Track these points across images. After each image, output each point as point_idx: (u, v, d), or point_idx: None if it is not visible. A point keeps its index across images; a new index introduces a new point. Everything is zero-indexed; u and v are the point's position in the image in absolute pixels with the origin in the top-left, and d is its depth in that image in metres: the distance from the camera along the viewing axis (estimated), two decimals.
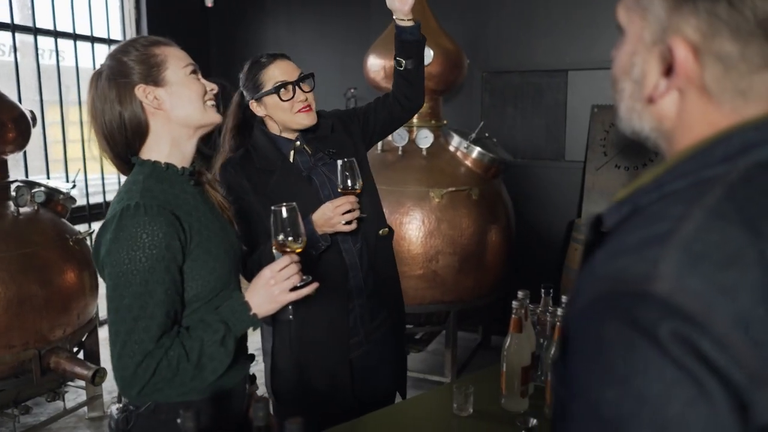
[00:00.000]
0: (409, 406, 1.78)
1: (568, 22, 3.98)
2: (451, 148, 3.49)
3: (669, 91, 0.62)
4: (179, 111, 1.33)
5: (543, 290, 1.88)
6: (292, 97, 1.80)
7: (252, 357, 1.56)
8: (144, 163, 1.34)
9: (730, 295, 0.49)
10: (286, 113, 1.82)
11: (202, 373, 1.27)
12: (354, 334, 1.91)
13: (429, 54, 3.29)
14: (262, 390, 2.75)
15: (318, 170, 1.89)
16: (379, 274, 1.96)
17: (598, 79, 3.96)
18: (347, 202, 1.75)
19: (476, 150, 3.42)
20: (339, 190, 1.78)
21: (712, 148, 0.58)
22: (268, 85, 1.81)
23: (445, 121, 3.60)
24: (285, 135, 1.88)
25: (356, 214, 1.77)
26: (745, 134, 0.57)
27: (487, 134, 3.68)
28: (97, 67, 1.39)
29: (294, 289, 1.35)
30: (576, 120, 4.05)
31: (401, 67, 1.98)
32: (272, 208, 1.37)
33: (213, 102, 1.39)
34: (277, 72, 1.81)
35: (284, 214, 1.36)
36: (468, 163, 3.45)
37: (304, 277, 1.38)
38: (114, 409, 1.37)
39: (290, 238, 1.36)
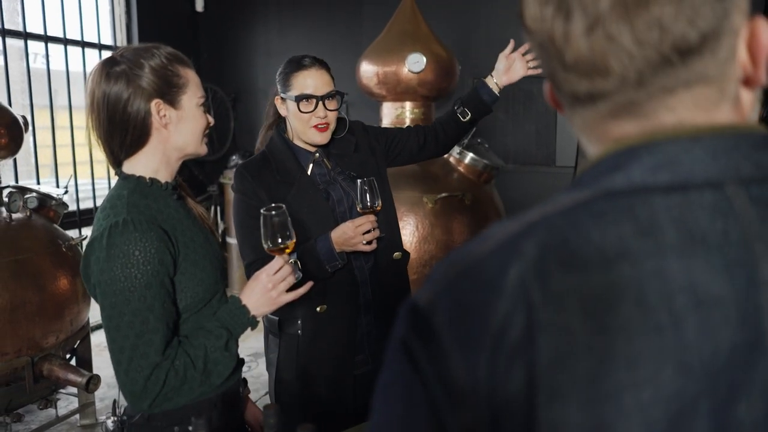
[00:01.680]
0: None
1: None
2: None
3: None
4: (179, 137, 1.34)
5: None
6: (312, 111, 1.78)
7: (242, 361, 1.57)
8: (128, 178, 1.33)
9: (471, 315, 0.50)
10: (301, 124, 1.80)
11: (209, 379, 1.30)
12: (360, 351, 1.91)
13: (422, 61, 3.32)
14: (254, 396, 2.76)
15: (336, 185, 1.87)
16: (389, 295, 1.94)
17: None
18: (368, 221, 1.73)
19: (469, 156, 3.45)
20: (359, 209, 1.76)
21: (586, 173, 0.55)
22: (295, 90, 1.78)
23: None
24: (305, 147, 1.86)
25: (376, 233, 1.75)
26: (608, 160, 0.53)
27: (479, 140, 3.72)
28: (109, 56, 1.35)
29: (291, 289, 1.39)
30: (566, 126, 4.10)
31: (463, 118, 2.01)
32: (262, 211, 1.39)
33: (206, 138, 1.42)
34: (308, 81, 1.78)
35: (275, 217, 1.39)
36: (461, 168, 3.47)
37: (297, 274, 1.42)
38: (109, 422, 1.38)
39: (280, 240, 1.40)
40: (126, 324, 1.22)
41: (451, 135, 2.03)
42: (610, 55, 0.50)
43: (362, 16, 4.60)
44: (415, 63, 3.33)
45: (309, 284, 1.42)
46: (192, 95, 1.34)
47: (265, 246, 1.40)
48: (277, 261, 1.38)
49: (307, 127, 1.79)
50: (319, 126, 1.79)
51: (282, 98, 1.84)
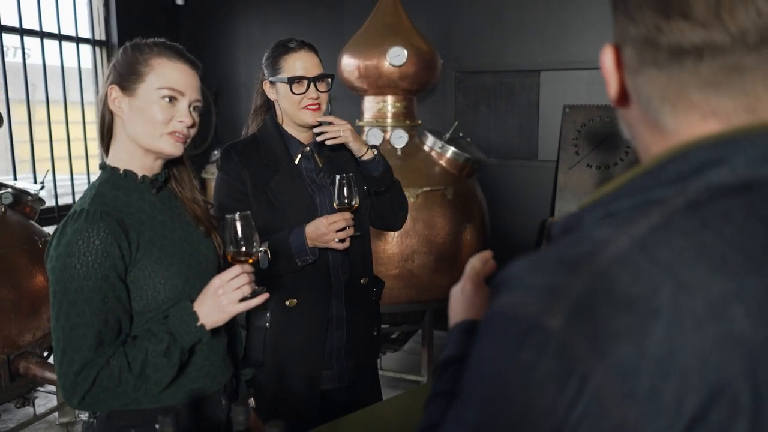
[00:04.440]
0: (389, 407, 1.78)
1: (539, 23, 4.03)
2: (426, 148, 3.51)
3: (617, 97, 0.60)
4: (131, 127, 1.31)
5: None
6: (304, 92, 1.77)
7: (238, 366, 1.54)
8: (105, 168, 1.34)
9: (615, 343, 0.46)
10: (293, 106, 1.79)
11: (145, 384, 1.23)
12: (328, 367, 1.88)
13: (403, 54, 3.30)
14: None
15: (324, 189, 1.86)
16: (360, 316, 1.93)
17: (570, 79, 4.02)
18: (342, 219, 1.71)
19: (451, 150, 3.44)
20: (335, 206, 1.75)
21: (667, 164, 0.53)
22: (286, 73, 1.77)
23: (419, 121, 3.62)
24: (296, 136, 1.85)
25: (350, 232, 1.73)
26: (702, 152, 0.51)
27: (461, 134, 3.71)
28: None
29: (244, 300, 1.28)
30: (548, 120, 4.10)
31: (372, 194, 1.93)
32: (225, 216, 1.30)
33: (175, 136, 1.31)
34: (298, 63, 1.77)
35: (237, 223, 1.29)
36: (442, 162, 3.47)
37: (257, 288, 1.31)
38: (83, 416, 1.37)
39: (243, 249, 1.29)
40: (63, 314, 1.19)
41: (376, 219, 1.99)
42: (740, 6, 0.49)
43: (344, 9, 4.57)
44: (396, 56, 3.31)
45: (264, 296, 1.31)
46: (151, 85, 1.29)
47: (227, 251, 1.30)
48: (234, 268, 1.27)
49: (298, 108, 1.78)
50: (311, 106, 1.78)
51: (271, 82, 1.82)
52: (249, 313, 1.82)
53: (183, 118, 1.31)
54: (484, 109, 4.26)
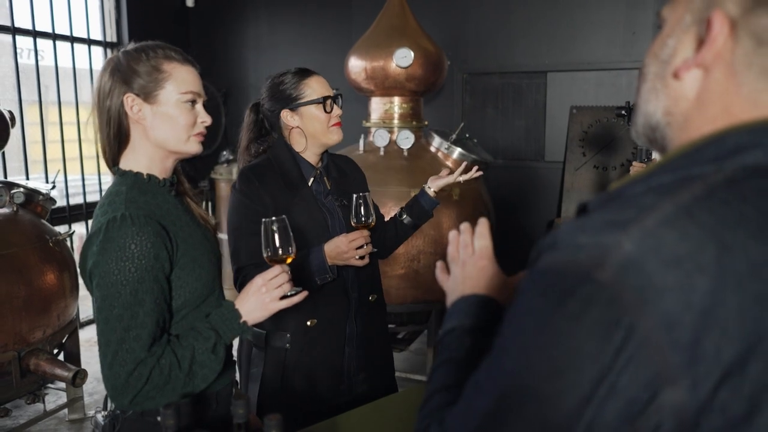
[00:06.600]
0: (393, 403, 1.80)
1: (546, 25, 4.04)
2: (432, 149, 3.52)
3: (696, 65, 0.62)
4: (157, 132, 1.32)
5: None
6: (332, 110, 1.84)
7: (233, 363, 1.56)
8: (125, 174, 1.34)
9: (663, 295, 0.50)
10: (322, 125, 1.83)
11: (193, 381, 1.27)
12: (341, 381, 1.91)
13: (410, 56, 3.32)
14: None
15: (335, 209, 1.90)
16: (370, 332, 1.96)
17: (577, 81, 4.02)
18: (361, 236, 1.75)
19: (457, 151, 3.45)
20: (353, 224, 1.78)
21: (704, 147, 0.58)
22: (310, 96, 1.83)
23: (426, 122, 3.63)
24: (308, 160, 1.88)
25: (369, 249, 1.78)
26: (738, 136, 0.57)
27: (467, 135, 3.72)
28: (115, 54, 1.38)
29: (284, 298, 1.37)
30: (555, 121, 4.11)
31: (400, 217, 2.06)
32: (263, 220, 1.40)
33: (199, 137, 1.37)
34: (318, 85, 1.84)
35: (275, 227, 1.40)
36: (449, 163, 3.48)
37: (296, 288, 1.40)
38: (99, 416, 1.37)
39: (281, 250, 1.40)
40: (115, 317, 1.21)
41: (388, 235, 2.07)
42: None
43: (352, 10, 4.59)
44: (402, 58, 3.33)
45: (304, 293, 1.40)
46: (172, 91, 1.31)
47: (265, 254, 1.41)
48: (275, 268, 1.37)
49: (327, 127, 1.84)
50: (337, 123, 1.86)
51: (291, 109, 1.85)
52: (268, 335, 1.85)
53: (205, 118, 1.37)
54: (490, 110, 4.27)
